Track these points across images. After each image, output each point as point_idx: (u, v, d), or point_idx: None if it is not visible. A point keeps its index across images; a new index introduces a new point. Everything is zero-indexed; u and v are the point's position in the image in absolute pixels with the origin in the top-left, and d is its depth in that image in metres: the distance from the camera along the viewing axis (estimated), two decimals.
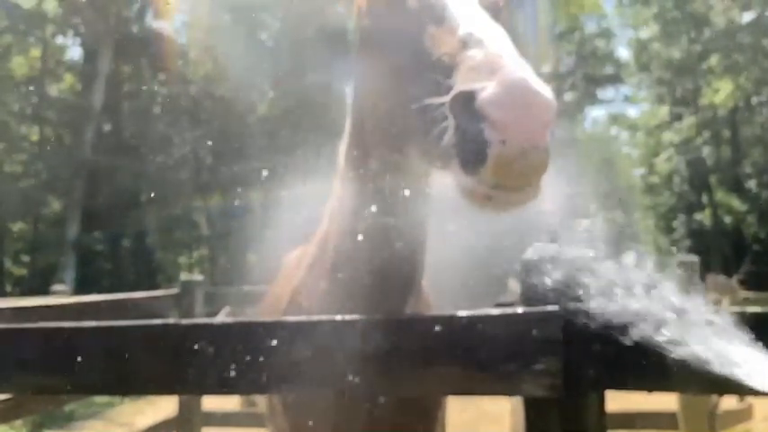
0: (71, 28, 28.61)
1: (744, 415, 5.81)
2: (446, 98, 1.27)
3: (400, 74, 1.48)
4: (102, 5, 26.24)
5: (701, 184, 34.06)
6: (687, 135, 33.07)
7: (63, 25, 28.41)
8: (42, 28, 27.83)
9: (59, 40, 30.54)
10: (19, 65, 29.02)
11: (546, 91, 1.21)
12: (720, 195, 34.01)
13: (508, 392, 1.37)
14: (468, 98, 1.22)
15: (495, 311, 1.35)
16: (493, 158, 1.19)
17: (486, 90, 1.19)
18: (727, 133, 34.46)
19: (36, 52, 29.10)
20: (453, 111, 1.25)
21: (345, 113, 1.91)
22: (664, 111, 36.29)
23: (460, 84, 1.26)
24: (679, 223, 35.93)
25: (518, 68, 1.22)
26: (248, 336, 1.43)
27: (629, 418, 4.80)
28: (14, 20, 26.63)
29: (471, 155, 1.22)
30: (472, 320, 1.34)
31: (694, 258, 5.03)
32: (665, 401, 4.67)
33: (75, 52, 35.69)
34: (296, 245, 2.71)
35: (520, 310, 1.36)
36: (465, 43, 1.32)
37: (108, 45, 26.64)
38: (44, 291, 10.20)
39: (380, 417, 1.87)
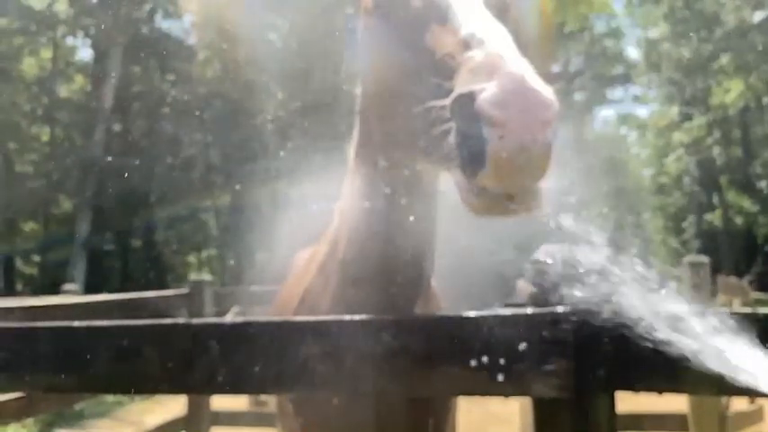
0: (82, 29, 28.78)
1: (755, 417, 5.77)
2: (447, 101, 1.28)
3: (405, 74, 1.48)
4: (113, 7, 26.38)
5: (712, 184, 33.89)
6: (697, 135, 32.88)
7: (74, 26, 28.58)
8: (53, 29, 28.02)
9: (70, 41, 30.79)
10: (30, 66, 29.24)
11: (546, 90, 1.21)
12: (731, 196, 33.82)
13: (518, 393, 1.37)
14: (467, 100, 1.22)
15: (505, 312, 1.35)
16: (492, 155, 1.19)
17: (486, 91, 1.20)
18: (737, 133, 34.26)
19: (47, 53, 29.32)
20: (454, 113, 1.26)
21: (354, 113, 1.91)
22: (674, 111, 36.13)
23: (461, 85, 1.26)
24: (689, 224, 35.78)
25: (518, 68, 1.22)
26: (258, 336, 1.43)
27: (638, 420, 4.77)
28: (26, 21, 26.81)
29: (471, 156, 1.22)
30: (482, 321, 1.34)
31: (705, 259, 5.00)
32: (676, 403, 4.65)
33: (85, 53, 35.95)
34: (306, 245, 2.71)
35: (530, 310, 1.35)
36: (467, 43, 1.32)
37: (118, 46, 26.77)
38: (54, 290, 10.25)
39: (390, 417, 1.87)
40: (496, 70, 1.22)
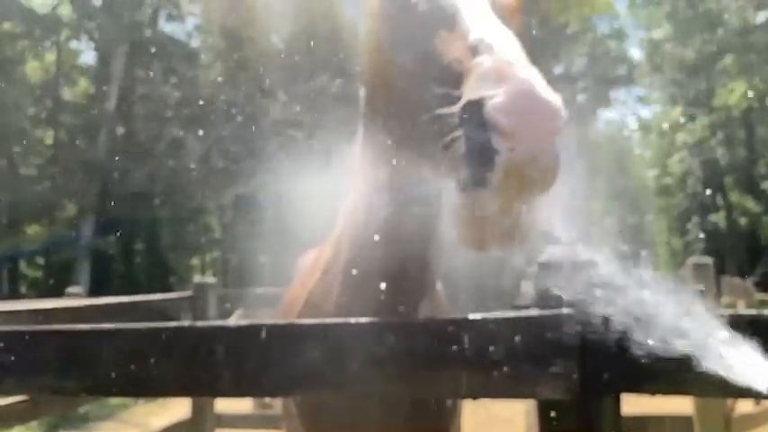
0: (85, 32, 28.88)
1: (760, 419, 5.75)
2: (455, 107, 1.27)
3: (411, 79, 1.48)
4: (116, 10, 26.46)
5: (716, 185, 33.77)
6: (701, 136, 32.80)
7: (77, 30, 28.69)
8: (57, 33, 28.12)
9: (74, 44, 30.89)
10: (34, 69, 29.35)
11: (554, 98, 1.21)
12: (735, 197, 33.73)
13: (523, 395, 1.37)
14: (476, 107, 1.22)
15: (510, 314, 1.35)
16: (501, 166, 1.19)
17: (494, 99, 1.20)
18: (741, 134, 34.17)
19: (51, 57, 29.42)
20: (462, 120, 1.26)
21: (359, 115, 1.91)
22: (677, 112, 36.00)
23: (469, 92, 1.26)
24: (693, 225, 35.66)
25: (526, 76, 1.22)
26: (262, 338, 1.43)
27: (643, 422, 4.75)
28: (29, 25, 26.90)
29: (479, 163, 1.22)
30: (486, 323, 1.34)
31: (708, 260, 4.99)
32: (680, 405, 4.63)
33: (89, 57, 36.04)
34: (311, 247, 2.71)
35: (535, 312, 1.35)
36: (475, 49, 1.32)
37: (121, 49, 26.85)
38: (59, 293, 10.27)
39: (395, 420, 1.87)
40: (505, 77, 1.22)
